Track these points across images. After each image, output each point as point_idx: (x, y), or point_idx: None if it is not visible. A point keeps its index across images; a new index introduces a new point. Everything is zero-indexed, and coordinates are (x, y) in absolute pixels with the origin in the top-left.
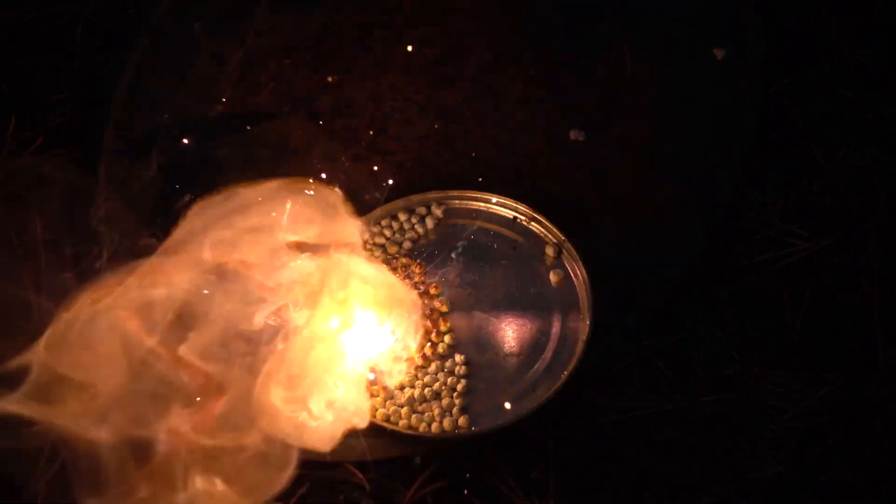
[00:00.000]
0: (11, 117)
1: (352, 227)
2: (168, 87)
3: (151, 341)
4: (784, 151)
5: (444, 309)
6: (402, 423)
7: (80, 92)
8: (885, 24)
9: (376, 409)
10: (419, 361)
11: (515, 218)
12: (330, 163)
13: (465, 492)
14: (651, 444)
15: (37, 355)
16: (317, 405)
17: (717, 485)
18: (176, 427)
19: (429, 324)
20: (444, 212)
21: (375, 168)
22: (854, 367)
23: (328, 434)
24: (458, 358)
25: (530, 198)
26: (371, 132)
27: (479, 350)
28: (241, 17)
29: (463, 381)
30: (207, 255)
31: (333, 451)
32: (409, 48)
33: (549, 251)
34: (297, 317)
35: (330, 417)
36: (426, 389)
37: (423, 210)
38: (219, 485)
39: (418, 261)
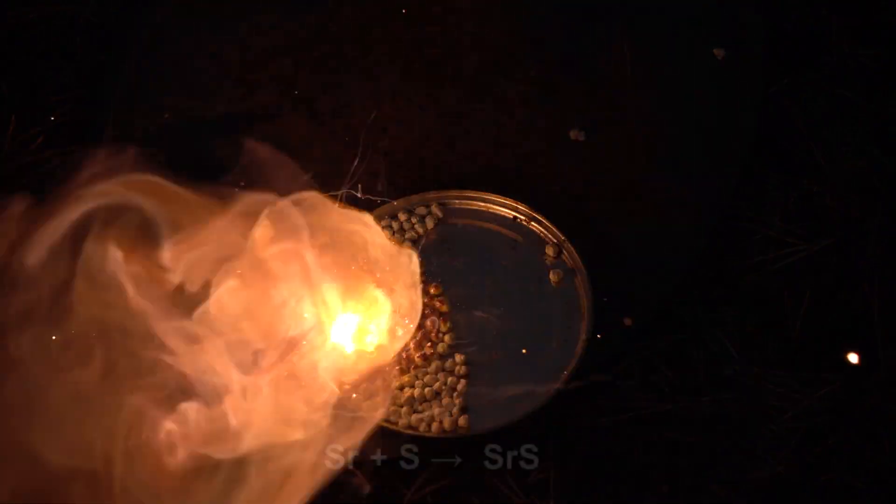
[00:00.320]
0: (11, 117)
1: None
2: (168, 87)
3: None
4: (784, 151)
5: (444, 309)
6: (402, 422)
7: (80, 92)
8: (885, 24)
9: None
10: (419, 361)
11: (515, 218)
12: (330, 163)
13: (465, 492)
14: (651, 444)
15: None
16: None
17: (717, 485)
18: None
19: (429, 324)
20: (444, 212)
21: (375, 168)
22: (854, 367)
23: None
24: (458, 358)
25: (530, 198)
26: (371, 132)
27: (479, 350)
28: (241, 17)
29: (463, 381)
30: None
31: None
32: (409, 48)
33: (549, 251)
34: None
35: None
36: (426, 389)
37: (423, 210)
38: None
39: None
